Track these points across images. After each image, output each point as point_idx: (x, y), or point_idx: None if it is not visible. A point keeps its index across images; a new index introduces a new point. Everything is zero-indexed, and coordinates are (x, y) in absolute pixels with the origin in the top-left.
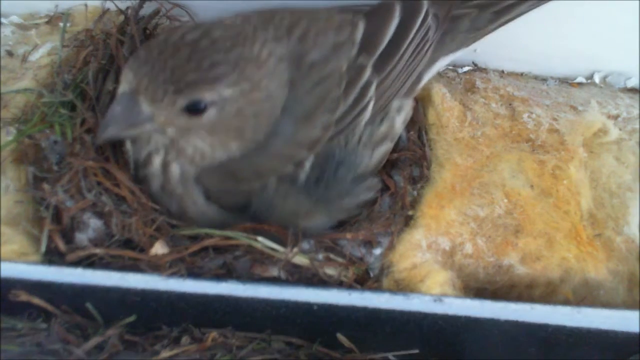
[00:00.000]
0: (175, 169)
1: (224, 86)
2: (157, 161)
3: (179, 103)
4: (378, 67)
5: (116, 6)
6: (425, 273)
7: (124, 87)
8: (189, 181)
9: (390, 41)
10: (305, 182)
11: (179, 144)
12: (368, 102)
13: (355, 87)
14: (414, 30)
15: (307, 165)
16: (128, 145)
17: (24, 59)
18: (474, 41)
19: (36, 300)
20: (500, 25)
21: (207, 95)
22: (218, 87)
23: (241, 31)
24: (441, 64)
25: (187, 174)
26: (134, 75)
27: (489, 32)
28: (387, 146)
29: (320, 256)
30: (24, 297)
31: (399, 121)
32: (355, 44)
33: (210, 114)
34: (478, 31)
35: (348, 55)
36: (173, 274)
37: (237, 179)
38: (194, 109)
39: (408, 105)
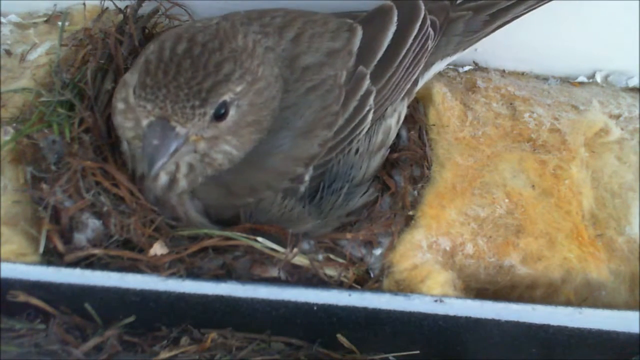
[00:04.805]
0: (181, 185)
1: (235, 83)
2: (164, 179)
3: (208, 113)
4: (376, 76)
5: (115, 5)
6: (425, 273)
7: (148, 119)
8: (184, 194)
9: (387, 49)
10: (303, 194)
11: (210, 155)
12: (367, 112)
13: (355, 97)
14: (412, 38)
15: (307, 177)
16: (125, 146)
17: (22, 58)
18: (470, 45)
19: (35, 301)
20: (496, 29)
21: (226, 96)
22: (231, 85)
23: (218, 29)
24: (437, 68)
25: (188, 188)
26: (153, 105)
27: (485, 35)
28: (382, 153)
29: (320, 256)
30: (22, 297)
31: (394, 125)
32: (352, 53)
33: (232, 114)
34: (473, 34)
35: (346, 65)
36: (172, 275)
37: (231, 193)
38: (219, 115)
39: (402, 107)
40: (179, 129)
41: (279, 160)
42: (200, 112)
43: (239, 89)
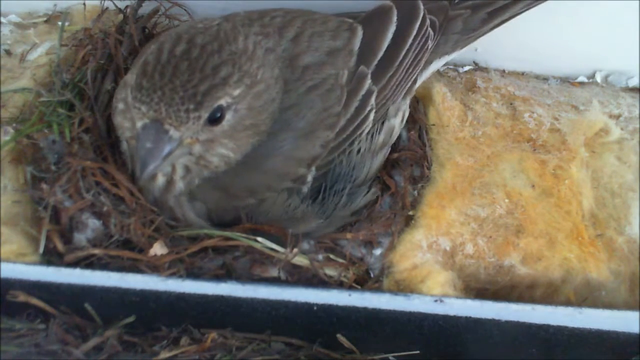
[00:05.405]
0: (178, 187)
1: (233, 86)
2: (161, 180)
3: (203, 117)
4: (377, 76)
5: (115, 5)
6: (425, 273)
7: (142, 122)
8: (182, 195)
9: (388, 49)
10: (306, 194)
11: (206, 158)
12: (369, 112)
13: (356, 97)
14: (412, 38)
15: (309, 178)
16: (125, 146)
17: (22, 58)
18: (468, 43)
19: (35, 301)
20: (494, 27)
21: (223, 100)
22: (228, 89)
23: (219, 30)
24: (435, 66)
25: (185, 190)
26: (147, 107)
27: (483, 34)
28: (384, 152)
29: (320, 256)
30: (22, 297)
31: (398, 124)
32: (353, 52)
33: (228, 118)
34: (472, 32)
35: (347, 64)
36: (172, 275)
37: (230, 195)
38: (214, 119)
39: (405, 106)
40: (173, 132)
41: (279, 162)
42: (194, 116)
43: (236, 92)
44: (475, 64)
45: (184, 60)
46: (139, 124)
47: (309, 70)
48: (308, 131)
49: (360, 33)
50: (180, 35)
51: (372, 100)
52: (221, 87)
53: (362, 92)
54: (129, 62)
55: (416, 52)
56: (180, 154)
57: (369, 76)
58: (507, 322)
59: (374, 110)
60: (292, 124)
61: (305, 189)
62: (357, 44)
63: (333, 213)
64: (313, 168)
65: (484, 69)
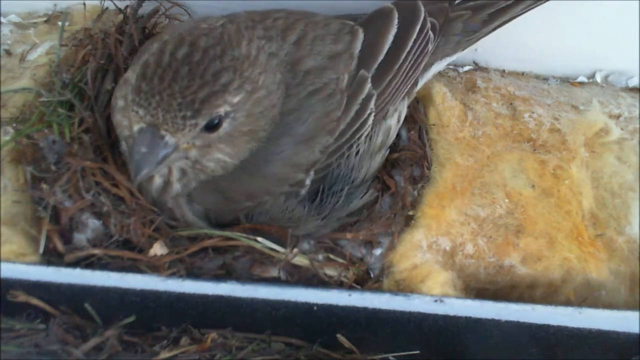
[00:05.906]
0: (175, 188)
1: (232, 94)
2: (158, 181)
3: (200, 125)
4: (377, 80)
5: (115, 5)
6: (425, 273)
7: (139, 125)
8: (180, 197)
9: (388, 52)
10: (304, 197)
11: (202, 162)
12: (368, 116)
13: (356, 101)
14: (412, 40)
15: (308, 182)
16: (124, 146)
17: (22, 58)
18: (469, 45)
19: (35, 301)
20: (495, 28)
21: (221, 109)
22: (228, 97)
23: (223, 33)
24: (437, 68)
25: (183, 191)
26: (145, 111)
27: (484, 35)
28: (383, 153)
29: (320, 256)
30: (22, 297)
31: (394, 126)
32: (354, 56)
33: (225, 125)
34: (472, 34)
35: (347, 68)
36: (172, 275)
37: (227, 199)
38: (211, 126)
39: (402, 107)
40: (168, 138)
41: (278, 167)
42: (191, 123)
43: (236, 99)
44: (475, 64)
45: (184, 64)
46: (135, 127)
47: (311, 74)
48: (308, 137)
49: (361, 36)
50: (183, 37)
51: (372, 104)
52: (220, 95)
53: (362, 96)
54: (129, 62)
55: (416, 55)
56: (176, 157)
57: (369, 80)
58: (507, 322)
59: (373, 114)
60: (293, 129)
61: (303, 192)
62: (357, 47)
63: (330, 214)
64: (312, 172)
65: (484, 69)
